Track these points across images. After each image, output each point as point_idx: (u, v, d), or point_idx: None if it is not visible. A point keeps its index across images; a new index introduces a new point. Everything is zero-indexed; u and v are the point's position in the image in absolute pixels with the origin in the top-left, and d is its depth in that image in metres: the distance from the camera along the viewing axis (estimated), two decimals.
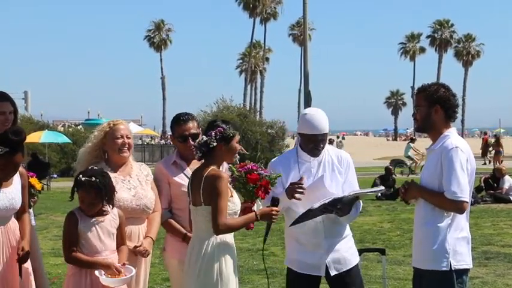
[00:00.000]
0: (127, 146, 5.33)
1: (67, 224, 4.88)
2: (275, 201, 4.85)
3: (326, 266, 5.07)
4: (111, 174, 5.19)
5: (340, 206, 4.90)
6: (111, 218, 4.94)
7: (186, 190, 5.40)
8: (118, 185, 5.18)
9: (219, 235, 4.67)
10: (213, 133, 4.72)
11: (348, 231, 5.22)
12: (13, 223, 4.90)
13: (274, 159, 5.40)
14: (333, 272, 5.06)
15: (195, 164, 5.52)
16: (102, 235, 4.86)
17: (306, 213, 4.91)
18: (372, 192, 4.97)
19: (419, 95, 4.87)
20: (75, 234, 4.84)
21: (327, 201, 4.89)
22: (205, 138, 4.74)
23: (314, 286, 5.16)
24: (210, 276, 4.65)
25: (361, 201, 5.19)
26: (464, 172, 4.65)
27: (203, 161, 4.79)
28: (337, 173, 5.14)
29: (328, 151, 5.21)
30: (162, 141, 50.87)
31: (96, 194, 4.82)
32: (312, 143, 5.10)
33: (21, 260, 4.83)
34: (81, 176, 4.85)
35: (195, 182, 4.74)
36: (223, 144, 4.73)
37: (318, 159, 5.15)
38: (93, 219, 4.86)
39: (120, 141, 5.29)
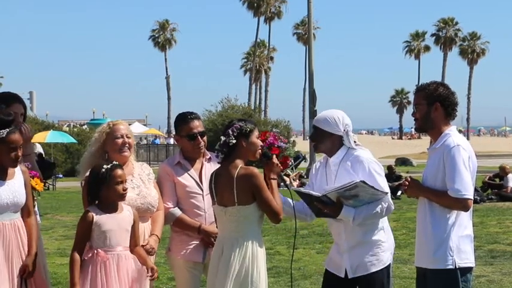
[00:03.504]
0: (127, 145, 5.35)
1: (81, 222, 4.91)
2: (267, 156, 4.88)
3: (346, 269, 5.01)
4: None
5: (318, 204, 4.85)
6: (126, 215, 4.97)
7: (191, 191, 5.41)
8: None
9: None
10: (230, 131, 4.73)
11: (376, 237, 5.03)
12: (20, 222, 4.91)
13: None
14: (350, 275, 4.99)
15: (199, 163, 5.53)
16: (117, 230, 4.88)
17: (307, 195, 4.96)
18: (346, 188, 4.79)
19: (419, 94, 4.87)
20: (87, 236, 4.87)
21: (303, 191, 4.95)
22: (223, 138, 4.75)
23: (338, 286, 5.09)
24: (242, 274, 4.65)
25: (381, 203, 4.93)
26: (467, 170, 4.64)
27: (223, 161, 4.79)
28: (350, 176, 4.95)
29: (349, 154, 5.03)
30: (172, 141, 50.86)
31: None
32: None
33: (28, 275, 4.87)
34: (105, 166, 4.93)
35: (222, 183, 4.73)
36: (243, 140, 4.74)
37: (336, 161, 5.05)
38: (109, 214, 4.89)
39: (120, 141, 5.31)
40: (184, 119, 5.50)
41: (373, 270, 4.99)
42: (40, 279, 5.09)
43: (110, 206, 4.93)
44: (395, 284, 8.68)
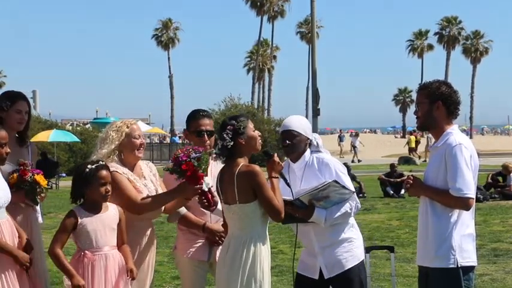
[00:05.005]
0: (143, 146, 5.37)
1: (65, 221, 4.90)
2: (268, 154, 4.84)
3: (320, 269, 5.10)
4: (132, 174, 5.24)
5: (289, 208, 4.88)
6: (112, 213, 4.96)
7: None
8: (141, 186, 5.21)
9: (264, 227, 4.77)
10: (225, 135, 4.73)
11: (347, 235, 5.13)
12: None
13: None
14: (326, 275, 5.08)
15: None
16: (103, 230, 4.88)
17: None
18: (319, 189, 4.88)
19: (421, 92, 4.87)
20: (67, 233, 4.86)
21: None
22: (220, 143, 4.75)
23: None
24: (246, 272, 4.65)
25: (349, 202, 5.06)
26: (469, 169, 4.64)
27: (228, 160, 4.79)
28: (316, 181, 5.04)
29: (313, 158, 5.17)
30: (180, 140, 50.75)
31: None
32: (281, 141, 5.21)
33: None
34: (90, 166, 4.88)
35: (226, 181, 4.75)
36: (241, 138, 4.74)
37: (301, 166, 5.15)
38: (94, 215, 4.88)
39: (138, 141, 5.30)
40: (195, 116, 5.55)
41: (349, 266, 5.09)
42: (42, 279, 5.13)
43: (95, 206, 4.92)
44: (399, 282, 8.69)
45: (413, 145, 45.39)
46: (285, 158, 5.33)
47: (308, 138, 5.20)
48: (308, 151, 5.19)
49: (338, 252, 5.08)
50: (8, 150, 4.84)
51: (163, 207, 5.26)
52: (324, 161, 5.13)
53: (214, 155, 5.49)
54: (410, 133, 50.84)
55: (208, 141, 5.47)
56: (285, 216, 4.80)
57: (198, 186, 4.94)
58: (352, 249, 5.13)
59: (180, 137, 60.22)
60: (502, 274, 9.29)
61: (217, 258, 5.16)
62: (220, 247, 5.07)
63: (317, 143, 5.25)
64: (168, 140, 62.70)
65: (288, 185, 4.95)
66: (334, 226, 5.04)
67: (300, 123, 5.19)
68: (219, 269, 4.84)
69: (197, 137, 5.48)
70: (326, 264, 5.07)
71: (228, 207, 4.77)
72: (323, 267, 5.08)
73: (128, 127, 5.32)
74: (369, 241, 11.42)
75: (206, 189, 5.03)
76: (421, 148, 44.91)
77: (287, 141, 5.14)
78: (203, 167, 4.89)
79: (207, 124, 5.49)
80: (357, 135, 47.73)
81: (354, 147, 46.02)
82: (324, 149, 5.25)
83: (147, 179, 5.33)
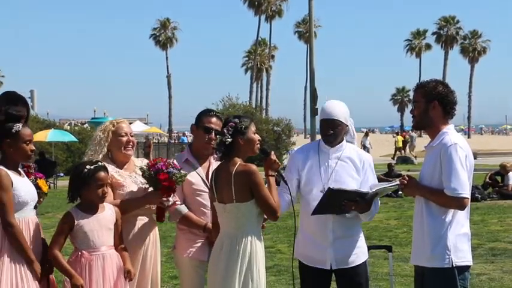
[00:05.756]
0: (131, 144, 5.38)
1: (62, 222, 4.90)
2: (265, 152, 4.86)
3: (330, 261, 5.12)
4: (117, 170, 5.29)
5: (360, 201, 4.96)
6: (108, 214, 4.96)
7: (197, 188, 5.42)
8: (126, 180, 5.25)
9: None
10: (225, 130, 4.74)
11: (359, 229, 5.23)
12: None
13: (297, 148, 5.45)
14: (334, 266, 5.10)
15: (207, 162, 5.55)
16: (100, 230, 4.88)
17: (326, 195, 4.93)
18: (389, 186, 5.12)
19: (418, 92, 4.88)
20: (64, 235, 4.87)
21: (348, 189, 4.97)
22: (219, 137, 4.77)
23: (323, 279, 5.20)
24: (243, 273, 4.65)
25: (378, 200, 5.25)
26: (464, 169, 4.65)
27: (223, 159, 4.81)
28: (352, 171, 5.14)
29: (351, 149, 5.23)
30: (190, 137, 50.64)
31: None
32: (322, 128, 5.19)
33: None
34: (89, 166, 4.87)
35: (222, 180, 4.75)
36: (240, 138, 4.74)
37: (337, 153, 5.17)
38: (91, 215, 4.89)
39: (124, 139, 5.34)
40: (207, 113, 5.59)
41: (359, 262, 5.17)
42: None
43: (91, 207, 4.92)
44: (397, 282, 8.70)
45: (400, 145, 45.80)
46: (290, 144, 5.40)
47: (347, 126, 5.24)
48: (344, 139, 5.24)
49: (350, 246, 5.14)
50: (33, 147, 4.87)
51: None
52: (365, 159, 5.23)
53: (216, 155, 5.52)
54: (397, 133, 51.36)
55: (213, 141, 5.47)
56: (319, 207, 4.90)
57: (165, 199, 5.09)
58: (362, 246, 5.23)
59: (186, 136, 60.20)
60: (499, 273, 9.31)
61: None
62: None
63: (353, 133, 5.31)
64: (166, 139, 62.66)
65: (286, 182, 4.97)
66: (353, 219, 5.10)
67: (341, 112, 5.17)
68: (212, 269, 4.83)
69: (204, 133, 5.48)
70: (336, 256, 5.09)
71: (223, 206, 4.76)
72: (332, 259, 5.09)
73: (113, 126, 5.37)
74: (367, 240, 11.28)
75: (167, 206, 5.16)
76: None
77: (330, 131, 5.15)
78: (175, 184, 5.06)
79: (217, 124, 5.47)
80: (366, 134, 47.70)
81: (364, 146, 46.05)
82: (355, 141, 5.33)
83: (137, 173, 5.35)
